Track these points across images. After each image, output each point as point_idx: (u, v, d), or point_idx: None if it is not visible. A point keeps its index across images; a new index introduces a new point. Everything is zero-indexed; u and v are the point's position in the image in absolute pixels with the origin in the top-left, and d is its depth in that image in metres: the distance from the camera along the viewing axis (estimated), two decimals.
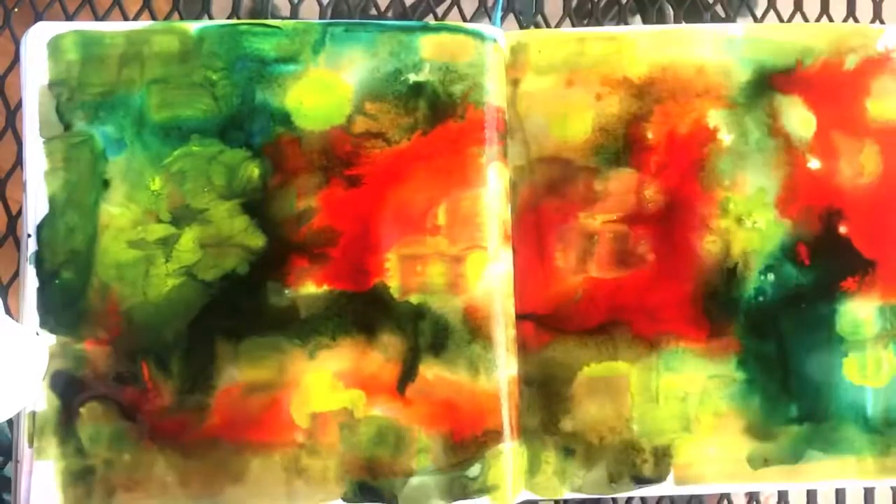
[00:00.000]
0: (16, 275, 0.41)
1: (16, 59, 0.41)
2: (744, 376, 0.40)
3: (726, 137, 0.42)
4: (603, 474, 0.40)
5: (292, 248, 0.40)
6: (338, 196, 0.40)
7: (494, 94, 0.41)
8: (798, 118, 0.42)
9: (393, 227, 0.40)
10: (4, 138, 0.45)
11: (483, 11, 0.48)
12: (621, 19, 0.48)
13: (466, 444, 0.39)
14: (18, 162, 0.42)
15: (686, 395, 0.40)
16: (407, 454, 0.39)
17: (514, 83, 0.42)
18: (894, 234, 0.42)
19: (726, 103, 0.42)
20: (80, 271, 0.39)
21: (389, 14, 0.50)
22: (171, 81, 0.40)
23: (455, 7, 0.48)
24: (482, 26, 0.42)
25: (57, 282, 0.39)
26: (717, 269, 0.41)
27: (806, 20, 0.48)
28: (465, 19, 0.48)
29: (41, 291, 0.39)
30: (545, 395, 0.40)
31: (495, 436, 0.39)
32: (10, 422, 0.39)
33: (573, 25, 0.47)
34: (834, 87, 0.42)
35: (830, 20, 0.48)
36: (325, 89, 0.41)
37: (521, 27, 0.46)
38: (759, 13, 0.49)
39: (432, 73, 0.41)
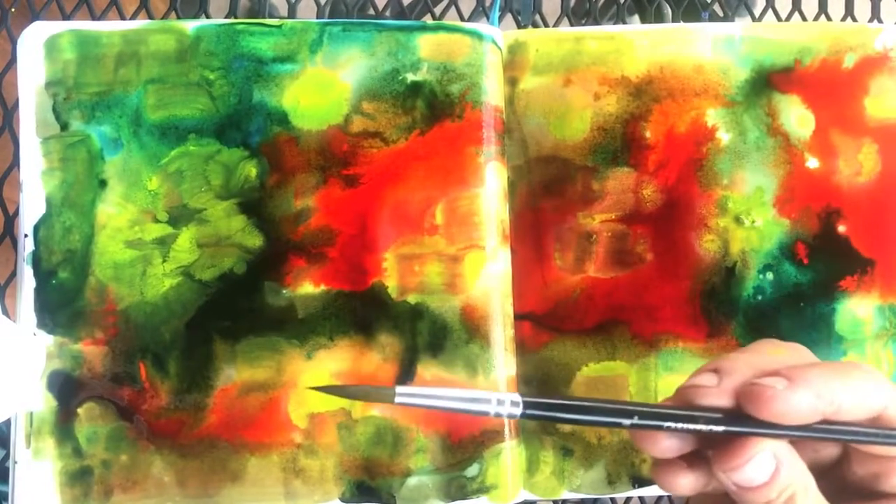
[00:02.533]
0: (13, 275, 0.41)
1: (13, 59, 0.41)
2: None
3: (725, 136, 0.42)
4: (602, 474, 0.40)
5: (290, 248, 0.40)
6: (335, 195, 0.40)
7: (492, 93, 0.41)
8: (796, 117, 0.42)
9: (391, 227, 0.40)
10: (1, 138, 0.44)
11: (481, 11, 0.48)
12: (619, 18, 0.48)
13: (465, 443, 0.39)
14: (15, 162, 0.41)
15: None
16: (405, 454, 0.39)
17: (512, 82, 0.42)
18: (893, 233, 0.41)
19: (725, 102, 0.42)
20: (77, 271, 0.39)
21: (387, 13, 0.49)
22: (168, 81, 0.40)
23: (453, 6, 0.48)
24: (480, 26, 0.42)
25: (54, 282, 0.39)
26: (715, 268, 0.41)
27: (804, 19, 0.48)
28: (462, 19, 0.48)
29: (38, 291, 0.39)
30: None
31: (494, 435, 0.39)
32: (7, 422, 0.39)
33: (571, 24, 0.47)
34: (832, 86, 0.42)
35: (829, 19, 0.48)
36: (323, 89, 0.41)
37: (519, 26, 0.46)
38: (757, 12, 0.48)
39: (430, 73, 0.41)
